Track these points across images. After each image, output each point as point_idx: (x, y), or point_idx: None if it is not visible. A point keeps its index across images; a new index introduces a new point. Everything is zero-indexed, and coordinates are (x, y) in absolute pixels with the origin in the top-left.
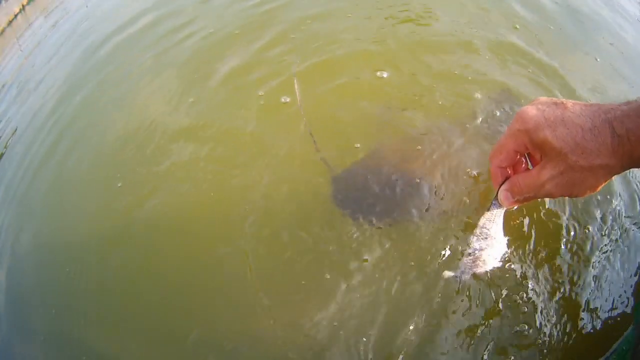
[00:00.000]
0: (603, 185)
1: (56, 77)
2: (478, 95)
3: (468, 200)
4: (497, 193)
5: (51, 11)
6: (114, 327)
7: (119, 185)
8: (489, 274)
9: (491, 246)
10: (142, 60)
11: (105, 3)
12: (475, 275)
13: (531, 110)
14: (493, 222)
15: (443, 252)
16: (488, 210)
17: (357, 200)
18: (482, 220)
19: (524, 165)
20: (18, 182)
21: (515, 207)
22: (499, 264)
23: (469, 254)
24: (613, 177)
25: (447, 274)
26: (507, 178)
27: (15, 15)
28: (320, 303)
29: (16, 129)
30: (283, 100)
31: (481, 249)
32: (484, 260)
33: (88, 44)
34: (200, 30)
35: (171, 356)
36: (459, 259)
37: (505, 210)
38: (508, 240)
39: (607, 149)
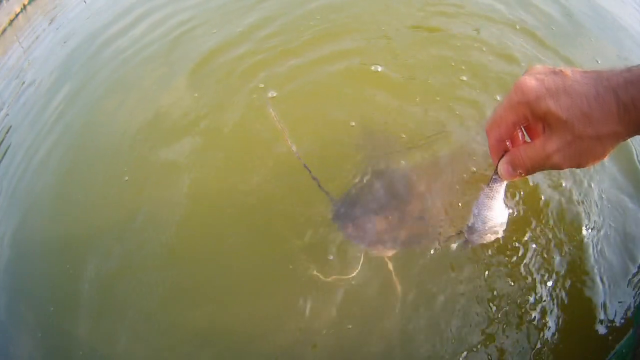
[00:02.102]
0: (610, 152)
1: (56, 74)
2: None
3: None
4: (497, 167)
5: (51, 10)
6: (111, 322)
7: (126, 179)
8: (487, 276)
9: (492, 220)
10: (140, 57)
11: (105, 3)
12: (473, 274)
13: (530, 81)
14: (493, 197)
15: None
16: (487, 185)
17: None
18: (482, 196)
19: (521, 139)
20: (16, 175)
21: (515, 180)
22: (502, 237)
23: (471, 229)
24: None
25: (452, 246)
26: (505, 151)
27: (17, 15)
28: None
29: (11, 126)
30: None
31: (483, 223)
32: (485, 234)
33: (86, 41)
34: (196, 25)
35: (165, 350)
36: (461, 233)
37: (506, 185)
38: (509, 213)
39: (613, 117)
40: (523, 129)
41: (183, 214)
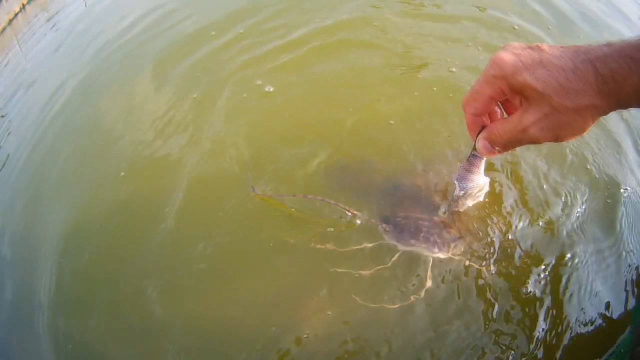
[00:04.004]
0: (590, 127)
1: (54, 74)
2: None
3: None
4: (475, 143)
5: (51, 9)
6: (104, 318)
7: (122, 174)
8: (483, 278)
9: (471, 190)
10: (139, 56)
11: (103, 0)
12: (468, 277)
13: (506, 55)
14: (472, 172)
15: None
16: (467, 159)
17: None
18: (461, 169)
19: (499, 116)
20: (12, 169)
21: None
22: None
23: (450, 196)
24: None
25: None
26: (483, 127)
27: (16, 14)
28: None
29: (9, 121)
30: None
31: (462, 193)
32: (464, 202)
33: (84, 40)
34: (193, 21)
35: (154, 346)
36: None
37: (485, 160)
38: (489, 181)
39: (592, 89)
40: (501, 107)
41: (178, 210)
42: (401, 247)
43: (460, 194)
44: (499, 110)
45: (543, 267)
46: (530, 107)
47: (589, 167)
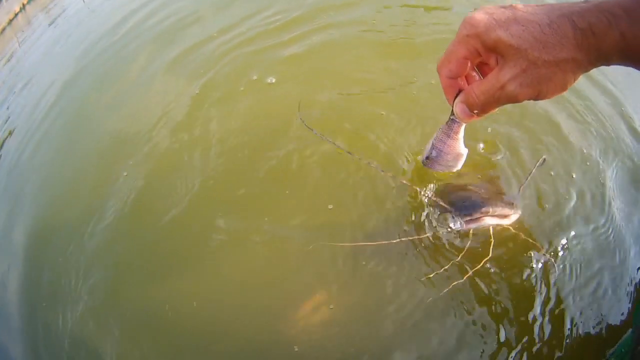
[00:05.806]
0: (573, 83)
1: (54, 73)
2: None
3: None
4: (453, 108)
5: (50, 9)
6: (102, 315)
7: (125, 174)
8: (486, 275)
9: (447, 155)
10: (138, 56)
11: (104, 1)
12: (467, 277)
13: (479, 15)
14: (450, 137)
15: None
16: (446, 123)
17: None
18: (440, 132)
19: (477, 80)
20: (12, 166)
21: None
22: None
23: (427, 156)
24: None
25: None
26: (460, 91)
27: (16, 14)
28: None
29: (12, 120)
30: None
31: (438, 156)
32: (439, 165)
33: (83, 39)
34: (190, 17)
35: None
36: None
37: (464, 126)
38: (467, 152)
39: (570, 42)
40: (477, 71)
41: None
42: (468, 226)
43: (434, 155)
44: (476, 75)
45: (544, 266)
46: (506, 63)
47: (600, 168)
